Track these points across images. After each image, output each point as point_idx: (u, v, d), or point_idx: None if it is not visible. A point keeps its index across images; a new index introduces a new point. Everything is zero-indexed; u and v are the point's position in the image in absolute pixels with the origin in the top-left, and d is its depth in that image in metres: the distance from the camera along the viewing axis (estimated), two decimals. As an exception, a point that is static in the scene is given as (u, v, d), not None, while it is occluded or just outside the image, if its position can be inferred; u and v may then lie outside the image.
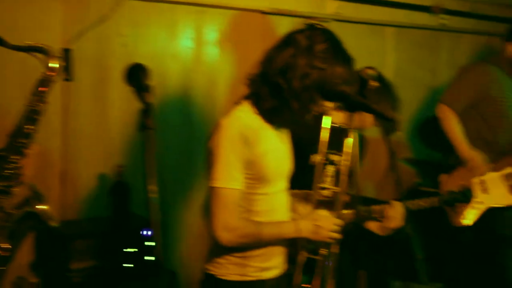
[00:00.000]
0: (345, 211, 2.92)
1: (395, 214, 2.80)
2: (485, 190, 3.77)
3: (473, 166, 3.84)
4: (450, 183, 3.90)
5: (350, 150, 2.42)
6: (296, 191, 2.68)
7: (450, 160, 4.01)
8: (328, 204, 2.91)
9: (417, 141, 4.98)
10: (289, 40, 2.27)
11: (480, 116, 3.96)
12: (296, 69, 2.20)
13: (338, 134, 2.98)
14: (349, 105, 2.29)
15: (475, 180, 3.78)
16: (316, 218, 2.38)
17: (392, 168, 2.63)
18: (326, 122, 2.49)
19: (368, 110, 2.34)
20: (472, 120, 3.96)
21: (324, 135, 2.47)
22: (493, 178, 3.79)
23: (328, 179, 3.01)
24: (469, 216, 3.73)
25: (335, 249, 2.43)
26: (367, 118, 2.93)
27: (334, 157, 2.99)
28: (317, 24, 2.31)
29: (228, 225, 2.22)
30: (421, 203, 3.03)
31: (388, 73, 4.52)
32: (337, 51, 2.25)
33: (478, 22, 5.33)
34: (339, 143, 2.95)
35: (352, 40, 4.38)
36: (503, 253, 3.88)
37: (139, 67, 2.06)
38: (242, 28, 4.02)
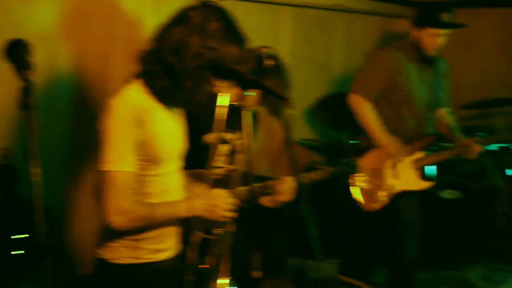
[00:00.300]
0: (239, 188, 2.92)
1: (286, 188, 2.87)
2: (395, 175, 3.88)
3: (391, 153, 3.86)
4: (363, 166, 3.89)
5: (246, 128, 2.45)
6: (190, 170, 2.67)
7: (362, 142, 4.02)
8: (223, 182, 2.93)
9: (313, 120, 5.07)
10: (182, 17, 2.23)
11: (389, 104, 3.94)
12: (189, 48, 2.17)
13: (231, 112, 3.01)
14: (242, 83, 2.30)
15: (387, 165, 3.88)
16: (210, 197, 2.37)
17: (287, 146, 2.66)
18: (223, 101, 2.49)
19: (261, 88, 2.35)
20: (381, 108, 3.94)
21: (220, 113, 2.46)
22: (403, 163, 3.90)
23: (222, 158, 3.02)
24: (379, 200, 3.83)
25: (231, 228, 2.45)
26: (257, 96, 2.95)
27: (228, 136, 2.98)
28: (210, 1, 2.28)
29: (121, 209, 2.17)
30: (313, 176, 3.09)
31: (284, 53, 4.56)
32: (230, 30, 2.24)
33: (372, 3, 5.42)
34: (233, 121, 2.98)
35: (247, 19, 4.35)
36: (403, 235, 3.96)
37: (19, 43, 1.97)
38: (132, 3, 3.94)
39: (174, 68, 2.19)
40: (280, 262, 3.52)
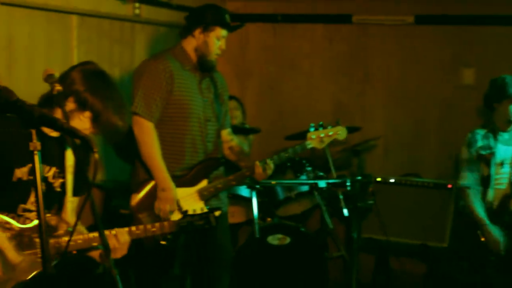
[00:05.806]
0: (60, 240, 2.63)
1: (120, 245, 2.71)
2: (179, 208, 3.67)
3: (166, 197, 3.68)
4: (140, 202, 3.76)
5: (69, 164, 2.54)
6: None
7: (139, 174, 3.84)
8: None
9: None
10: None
11: (166, 122, 3.75)
12: None
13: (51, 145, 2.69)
14: (26, 119, 2.02)
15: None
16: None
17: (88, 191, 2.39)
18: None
19: (51, 125, 2.08)
20: (158, 129, 3.75)
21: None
22: (188, 194, 3.73)
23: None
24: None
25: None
26: None
27: (45, 172, 2.69)
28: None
29: None
30: (154, 229, 2.86)
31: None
32: None
33: (175, 14, 5.17)
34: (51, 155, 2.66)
35: (28, 28, 3.82)
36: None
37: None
38: None
39: None
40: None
